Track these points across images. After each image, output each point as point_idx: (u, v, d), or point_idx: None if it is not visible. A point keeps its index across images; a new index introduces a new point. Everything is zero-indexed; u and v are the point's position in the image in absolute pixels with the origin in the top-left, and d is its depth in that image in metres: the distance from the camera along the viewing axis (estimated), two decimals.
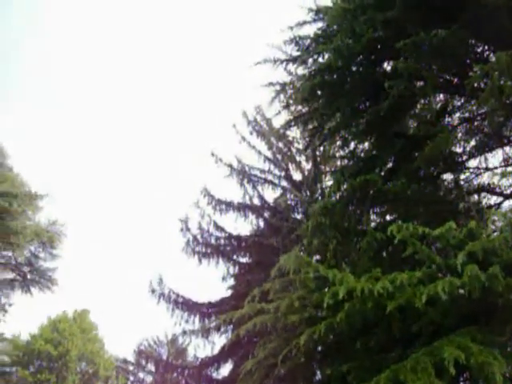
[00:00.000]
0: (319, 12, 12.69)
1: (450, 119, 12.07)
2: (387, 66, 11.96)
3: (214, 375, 20.08)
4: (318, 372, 10.94)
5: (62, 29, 68.77)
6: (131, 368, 33.44)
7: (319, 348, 10.16)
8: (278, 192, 20.95)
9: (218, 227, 20.62)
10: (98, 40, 69.30)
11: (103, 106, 73.16)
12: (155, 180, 75.37)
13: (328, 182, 18.68)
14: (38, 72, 67.49)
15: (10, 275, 29.74)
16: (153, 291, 19.68)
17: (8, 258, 29.68)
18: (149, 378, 32.58)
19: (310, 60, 12.40)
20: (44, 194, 29.55)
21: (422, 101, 12.05)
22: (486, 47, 11.05)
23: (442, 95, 12.40)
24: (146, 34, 73.97)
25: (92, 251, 64.82)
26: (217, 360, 19.84)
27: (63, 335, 40.80)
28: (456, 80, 11.36)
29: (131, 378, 33.75)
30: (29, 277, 30.06)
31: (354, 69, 11.91)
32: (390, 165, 11.77)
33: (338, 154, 14.36)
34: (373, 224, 11.81)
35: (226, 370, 19.99)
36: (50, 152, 67.20)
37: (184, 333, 19.70)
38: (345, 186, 11.49)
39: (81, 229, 65.29)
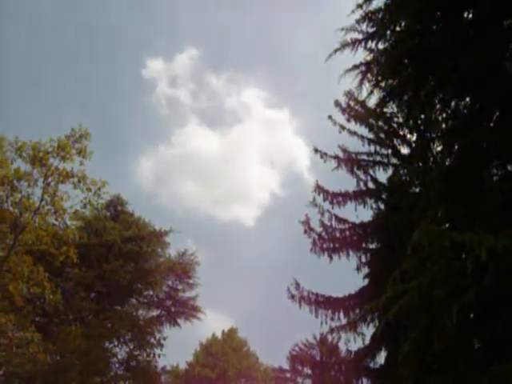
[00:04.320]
0: None
1: None
2: (468, 15, 11.47)
3: (371, 365, 19.92)
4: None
5: None
6: (288, 375, 33.89)
7: (471, 316, 9.87)
8: (390, 170, 20.58)
9: (340, 220, 20.48)
10: None
11: None
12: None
13: (438, 147, 18.11)
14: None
15: (156, 312, 31.21)
16: (292, 297, 19.85)
17: (150, 296, 31.19)
18: (308, 382, 32.89)
19: (388, 32, 12.13)
20: (168, 229, 30.86)
21: None
22: None
23: None
24: None
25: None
26: (370, 350, 19.66)
27: (217, 357, 42.10)
28: None
29: None
30: (173, 310, 31.38)
31: (434, 28, 11.54)
32: (496, 114, 11.26)
33: (440, 118, 13.89)
34: (494, 178, 11.34)
35: (381, 358, 19.81)
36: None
37: (332, 330, 19.71)
38: (456, 148, 11.13)
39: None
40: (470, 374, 9.40)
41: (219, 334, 44.68)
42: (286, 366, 33.52)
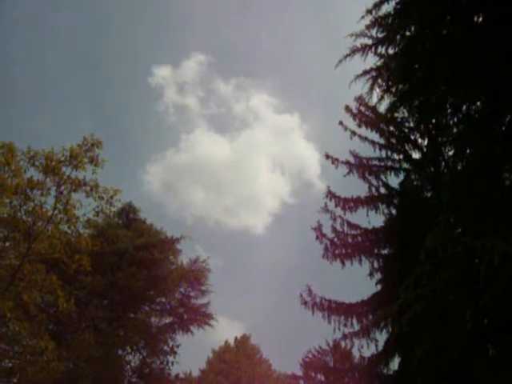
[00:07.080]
0: None
1: None
2: (478, 19, 11.42)
3: (385, 372, 19.76)
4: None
5: None
6: (302, 382, 33.67)
7: (485, 321, 9.79)
8: (402, 176, 20.47)
9: (352, 226, 20.38)
10: None
11: None
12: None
13: (449, 152, 18.03)
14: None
15: (169, 319, 31.15)
16: (305, 303, 19.76)
17: (163, 303, 31.15)
18: None
19: (398, 37, 12.12)
20: (179, 237, 30.88)
21: None
22: None
23: None
24: None
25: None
26: (384, 356, 19.49)
27: (230, 364, 41.98)
28: None
29: None
30: (185, 317, 31.28)
31: (444, 32, 11.51)
32: (508, 118, 11.20)
33: (451, 122, 13.84)
34: (507, 182, 11.27)
35: (394, 364, 19.64)
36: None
37: (345, 336, 19.55)
38: (468, 152, 11.08)
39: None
40: (485, 380, 9.33)
41: (232, 342, 44.60)
42: (300, 373, 33.26)
